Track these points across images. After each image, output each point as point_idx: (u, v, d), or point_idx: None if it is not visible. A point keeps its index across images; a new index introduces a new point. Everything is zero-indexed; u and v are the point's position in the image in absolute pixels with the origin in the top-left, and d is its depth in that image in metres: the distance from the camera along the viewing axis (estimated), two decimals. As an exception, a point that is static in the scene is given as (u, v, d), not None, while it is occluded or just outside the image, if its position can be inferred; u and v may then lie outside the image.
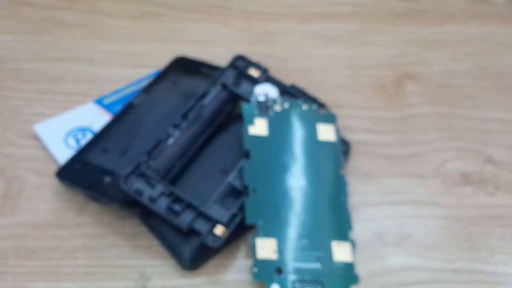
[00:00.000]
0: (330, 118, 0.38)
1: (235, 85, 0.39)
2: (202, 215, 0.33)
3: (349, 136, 0.40)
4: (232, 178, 0.35)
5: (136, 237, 0.35)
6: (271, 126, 0.37)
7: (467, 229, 0.36)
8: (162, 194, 0.34)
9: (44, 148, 0.39)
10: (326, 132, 0.38)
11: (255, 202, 0.34)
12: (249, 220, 0.33)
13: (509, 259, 0.35)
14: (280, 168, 0.36)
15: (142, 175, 0.34)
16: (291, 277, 0.32)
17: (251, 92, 0.39)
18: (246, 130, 0.36)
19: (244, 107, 0.38)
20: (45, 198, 0.36)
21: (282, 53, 0.46)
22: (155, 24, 0.47)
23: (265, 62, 0.41)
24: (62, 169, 0.36)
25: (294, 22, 0.48)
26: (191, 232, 0.33)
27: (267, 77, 0.39)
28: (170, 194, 0.34)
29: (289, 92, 0.39)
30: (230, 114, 0.39)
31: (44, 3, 0.48)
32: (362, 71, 0.45)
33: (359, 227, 0.36)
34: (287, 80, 0.40)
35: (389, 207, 0.37)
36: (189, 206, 0.34)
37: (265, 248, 0.33)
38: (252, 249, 0.33)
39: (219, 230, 0.33)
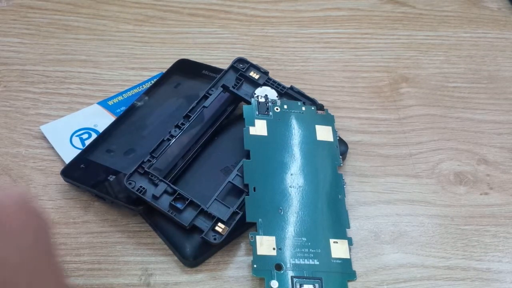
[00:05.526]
0: (328, 119, 0.39)
1: (235, 87, 0.40)
2: (203, 212, 0.34)
3: (346, 137, 0.41)
4: (232, 177, 0.35)
5: (140, 234, 0.36)
6: (271, 126, 0.38)
7: (461, 228, 0.37)
8: (165, 192, 0.34)
9: (50, 148, 0.39)
10: (324, 133, 0.38)
11: (255, 201, 0.35)
12: (249, 218, 0.34)
13: (503, 257, 0.36)
14: (279, 168, 0.36)
15: (145, 174, 0.35)
16: (290, 273, 0.33)
17: (251, 94, 0.39)
18: (247, 130, 0.37)
19: (245, 108, 0.38)
20: (51, 196, 0.37)
21: (281, 56, 0.46)
22: (157, 28, 0.47)
23: (264, 65, 0.42)
24: (67, 168, 0.37)
25: (293, 26, 0.49)
26: (193, 229, 0.34)
27: (267, 79, 0.40)
28: (173, 192, 0.34)
29: (288, 93, 0.40)
30: (231, 115, 0.40)
31: (49, 7, 0.48)
32: (359, 73, 0.45)
33: (356, 225, 0.37)
34: (286, 82, 0.41)
35: (385, 206, 0.38)
36: (191, 204, 0.34)
37: (265, 245, 0.33)
38: (252, 246, 0.33)
39: (220, 227, 0.34)
